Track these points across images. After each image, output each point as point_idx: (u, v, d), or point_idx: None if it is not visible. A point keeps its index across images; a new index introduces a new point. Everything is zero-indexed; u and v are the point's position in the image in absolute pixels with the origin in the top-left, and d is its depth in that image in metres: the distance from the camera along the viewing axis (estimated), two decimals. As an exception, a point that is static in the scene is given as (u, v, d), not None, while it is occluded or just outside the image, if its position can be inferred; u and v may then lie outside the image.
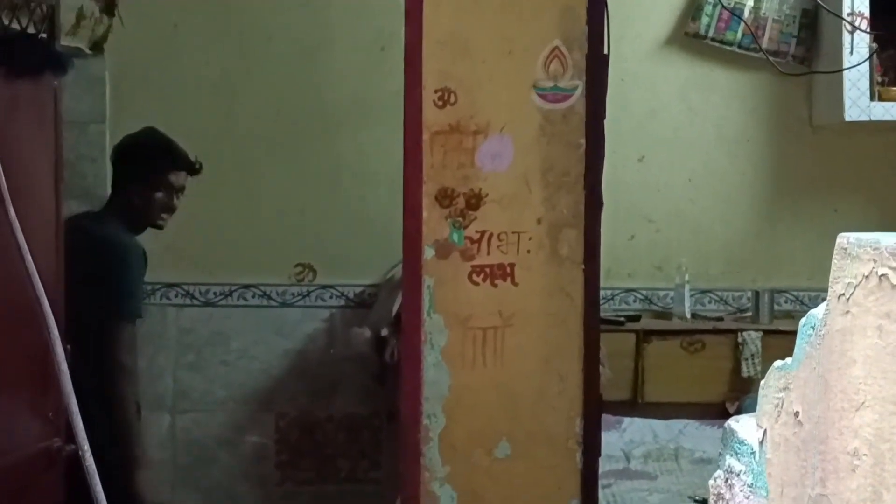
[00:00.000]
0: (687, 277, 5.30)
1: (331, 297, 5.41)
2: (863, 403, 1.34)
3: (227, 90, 5.36)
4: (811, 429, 1.51)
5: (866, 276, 1.36)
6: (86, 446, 2.33)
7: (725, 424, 1.86)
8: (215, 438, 5.38)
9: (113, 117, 5.33)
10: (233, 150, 5.33)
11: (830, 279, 1.49)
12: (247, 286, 5.36)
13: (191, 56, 5.36)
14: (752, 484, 1.69)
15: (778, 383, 1.64)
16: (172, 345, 5.37)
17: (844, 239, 1.46)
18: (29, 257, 2.53)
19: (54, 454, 3.17)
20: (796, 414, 1.56)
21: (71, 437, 2.56)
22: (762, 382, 1.70)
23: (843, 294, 1.43)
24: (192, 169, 4.60)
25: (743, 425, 1.80)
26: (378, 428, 5.38)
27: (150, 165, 4.55)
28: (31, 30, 3.45)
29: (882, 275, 1.32)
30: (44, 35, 3.61)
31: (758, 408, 1.70)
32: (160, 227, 4.58)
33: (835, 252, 1.48)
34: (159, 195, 4.53)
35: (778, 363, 1.67)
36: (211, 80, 5.36)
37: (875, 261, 1.34)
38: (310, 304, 5.38)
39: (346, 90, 5.34)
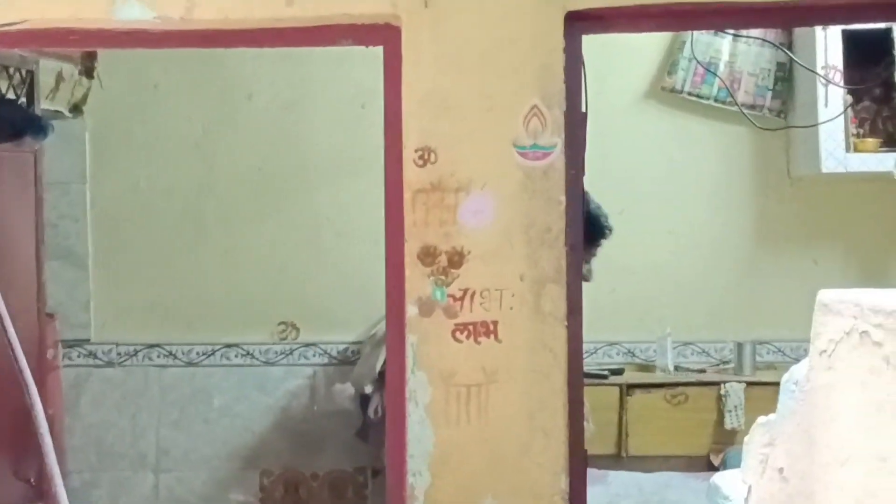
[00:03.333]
0: (669, 330, 5.31)
1: (314, 355, 5.40)
2: (848, 459, 1.35)
3: (207, 148, 5.37)
4: (797, 484, 1.52)
5: (847, 333, 1.37)
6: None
7: (710, 480, 1.87)
8: (199, 497, 5.34)
9: (93, 177, 5.33)
10: (214, 207, 5.33)
11: (812, 335, 1.50)
12: (229, 345, 5.34)
13: (171, 115, 5.37)
14: (738, 540, 1.69)
15: (762, 439, 1.64)
16: (155, 404, 5.34)
17: (825, 295, 1.47)
18: (8, 321, 2.52)
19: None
20: (781, 470, 1.57)
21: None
22: (746, 438, 1.71)
23: (826, 350, 1.44)
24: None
25: (728, 481, 1.81)
26: (363, 484, 5.35)
27: None
28: (10, 94, 3.47)
29: (863, 331, 1.33)
30: (23, 99, 3.62)
31: (742, 463, 1.71)
32: None
33: (816, 308, 1.49)
34: None
35: (762, 419, 1.68)
36: (192, 138, 5.37)
37: (856, 317, 1.36)
38: (293, 363, 5.37)
39: (327, 146, 5.36)
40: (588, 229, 3.81)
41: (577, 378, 2.70)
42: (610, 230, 4.23)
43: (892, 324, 1.26)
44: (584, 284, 2.82)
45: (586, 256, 3.84)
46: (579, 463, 2.72)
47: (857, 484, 1.34)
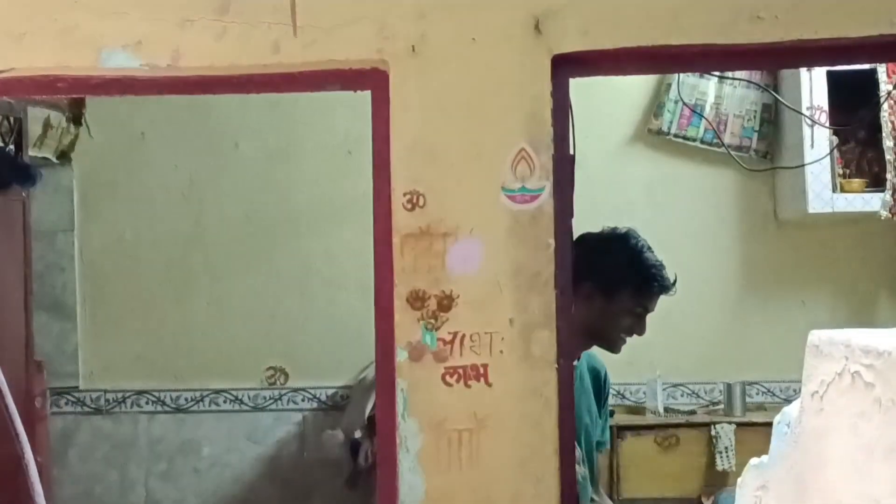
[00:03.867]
0: (659, 372, 5.31)
1: (303, 400, 5.38)
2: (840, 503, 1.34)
3: (195, 196, 5.38)
4: (790, 528, 1.51)
5: (839, 374, 1.36)
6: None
7: (704, 524, 1.86)
8: (189, 548, 5.31)
9: (81, 226, 5.33)
10: (202, 255, 5.33)
11: (803, 377, 1.50)
12: (218, 391, 5.32)
13: (158, 163, 5.38)
14: (733, 585, 1.68)
15: (755, 482, 1.63)
16: (144, 454, 5.31)
17: (816, 336, 1.47)
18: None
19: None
20: (775, 513, 1.56)
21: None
22: (739, 480, 1.70)
23: (817, 391, 1.44)
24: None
25: (722, 524, 1.80)
26: (353, 533, 5.32)
27: None
28: (-2, 143, 3.47)
29: (854, 372, 1.32)
30: (11, 147, 3.62)
31: (736, 506, 1.70)
32: None
33: (807, 349, 1.49)
34: None
35: (754, 461, 1.67)
36: (179, 186, 5.37)
37: (847, 358, 1.35)
38: (282, 408, 5.35)
39: (314, 193, 5.37)
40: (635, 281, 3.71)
41: (568, 422, 2.68)
42: (659, 283, 3.79)
43: (882, 364, 1.26)
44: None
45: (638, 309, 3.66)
46: (571, 508, 2.70)
47: (851, 527, 1.33)
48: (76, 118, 5.07)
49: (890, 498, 1.21)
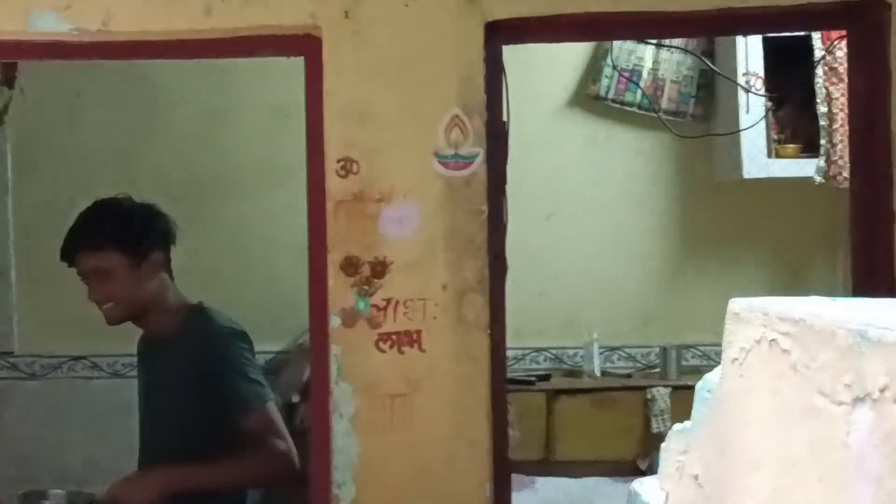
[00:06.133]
0: (596, 335, 5.34)
1: (240, 365, 5.36)
2: (759, 463, 1.37)
3: (131, 156, 5.33)
4: (711, 490, 1.54)
5: (758, 341, 1.39)
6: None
7: (629, 487, 1.89)
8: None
9: (16, 188, 5.27)
10: (138, 217, 5.28)
11: (724, 343, 1.52)
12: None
13: (94, 124, 5.33)
14: (655, 547, 1.71)
15: (678, 446, 1.66)
16: (82, 417, 5.29)
17: (736, 304, 1.50)
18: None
19: None
20: (696, 476, 1.59)
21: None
22: (663, 445, 1.73)
23: (737, 358, 1.46)
24: None
25: (646, 487, 1.83)
26: (288, 496, 5.32)
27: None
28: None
29: (772, 339, 1.35)
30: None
31: (659, 470, 1.73)
32: None
33: (727, 317, 1.52)
34: None
35: (678, 426, 1.70)
36: (115, 146, 5.32)
37: (765, 325, 1.38)
38: (219, 372, 5.33)
39: (252, 155, 5.34)
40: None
41: (501, 386, 2.71)
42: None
43: (798, 332, 1.28)
44: (511, 288, 2.83)
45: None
46: (504, 471, 2.73)
47: (768, 487, 1.36)
48: (9, 81, 4.99)
49: (806, 457, 1.24)
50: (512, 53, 2.81)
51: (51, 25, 2.64)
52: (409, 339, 2.67)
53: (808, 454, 1.24)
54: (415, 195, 2.67)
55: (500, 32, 2.71)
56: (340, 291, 2.68)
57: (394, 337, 2.67)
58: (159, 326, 3.69)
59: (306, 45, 2.70)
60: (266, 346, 5.36)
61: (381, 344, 2.68)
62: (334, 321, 2.67)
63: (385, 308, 2.67)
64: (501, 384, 2.69)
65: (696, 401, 1.61)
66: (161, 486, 3.41)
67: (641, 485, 1.86)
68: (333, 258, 2.68)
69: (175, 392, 3.58)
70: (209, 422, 3.56)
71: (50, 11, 2.63)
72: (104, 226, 3.66)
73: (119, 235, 3.62)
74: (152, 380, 3.66)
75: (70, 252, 3.69)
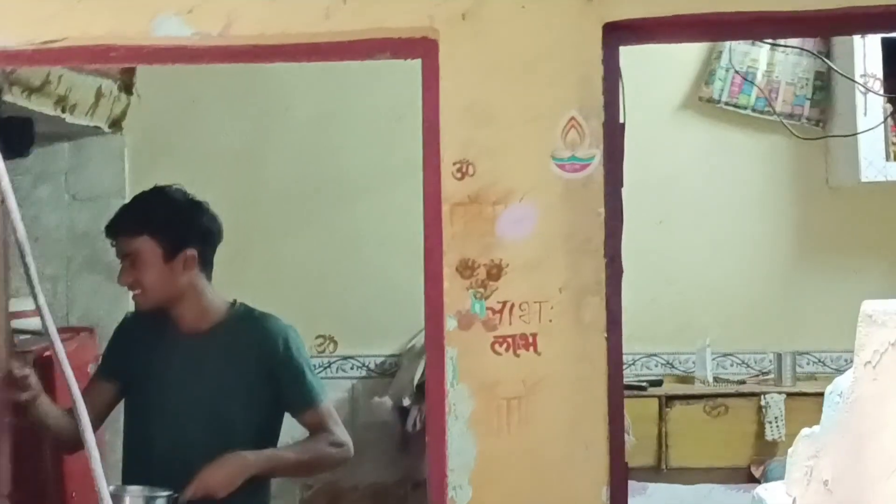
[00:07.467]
0: (708, 341, 5.29)
1: (352, 368, 5.41)
2: None
3: (246, 161, 5.40)
4: (843, 496, 1.51)
5: (892, 344, 1.36)
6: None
7: (754, 492, 1.86)
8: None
9: (133, 192, 5.36)
10: (253, 220, 5.35)
11: (856, 346, 1.49)
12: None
13: (209, 129, 5.41)
14: (784, 553, 1.68)
15: (807, 451, 1.64)
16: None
17: (869, 306, 1.46)
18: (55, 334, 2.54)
19: None
20: (826, 482, 1.56)
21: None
22: (790, 450, 1.70)
23: (871, 361, 1.43)
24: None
25: (772, 493, 1.80)
26: (403, 497, 5.35)
27: None
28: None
29: (908, 342, 1.32)
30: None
31: (786, 476, 1.70)
32: None
33: (860, 319, 1.48)
34: None
35: (806, 431, 1.67)
36: (230, 151, 5.40)
37: (901, 327, 1.35)
38: (331, 375, 5.37)
39: (365, 157, 5.38)
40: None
41: (618, 389, 2.69)
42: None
43: (937, 334, 1.25)
44: (624, 294, 2.81)
45: None
46: (620, 474, 2.71)
47: (905, 495, 1.32)
48: (127, 87, 5.09)
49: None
50: (625, 57, 2.79)
51: (174, 30, 2.67)
52: (524, 341, 2.66)
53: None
54: (532, 197, 2.66)
55: (618, 33, 2.69)
56: (456, 294, 2.67)
57: (509, 340, 2.66)
58: (195, 322, 3.76)
59: (423, 48, 2.70)
60: (378, 350, 5.40)
61: (496, 346, 2.67)
62: (450, 323, 2.67)
63: (501, 310, 2.66)
64: (618, 387, 2.67)
65: (827, 405, 1.58)
66: (244, 469, 3.55)
67: (766, 490, 1.83)
68: (449, 260, 2.68)
69: (238, 386, 3.69)
70: (278, 414, 3.81)
71: (173, 16, 2.67)
72: (146, 213, 3.73)
73: (157, 225, 3.67)
74: (187, 372, 3.70)
75: (112, 231, 3.76)
